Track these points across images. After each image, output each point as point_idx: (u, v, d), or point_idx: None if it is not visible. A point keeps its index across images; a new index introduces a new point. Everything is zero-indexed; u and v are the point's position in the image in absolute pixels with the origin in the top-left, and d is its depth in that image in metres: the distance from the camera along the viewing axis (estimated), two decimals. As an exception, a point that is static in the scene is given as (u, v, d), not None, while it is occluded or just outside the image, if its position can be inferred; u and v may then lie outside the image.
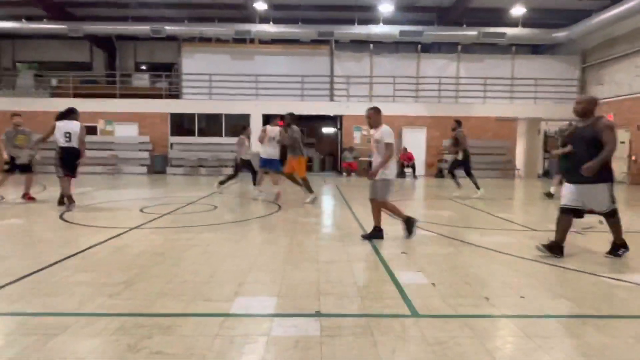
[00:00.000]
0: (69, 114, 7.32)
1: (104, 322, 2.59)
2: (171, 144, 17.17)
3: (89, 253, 4.27)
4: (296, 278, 3.56)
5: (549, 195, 9.19)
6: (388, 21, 16.50)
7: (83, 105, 16.69)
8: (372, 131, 5.19)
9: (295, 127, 8.17)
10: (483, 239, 5.15)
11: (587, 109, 4.20)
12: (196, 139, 17.27)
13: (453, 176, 9.89)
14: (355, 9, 16.28)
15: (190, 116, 17.49)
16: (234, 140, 16.82)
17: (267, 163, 8.74)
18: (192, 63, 17.96)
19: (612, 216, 4.22)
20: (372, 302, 3.07)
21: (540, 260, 4.19)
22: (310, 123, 20.54)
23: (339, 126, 18.14)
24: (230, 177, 9.89)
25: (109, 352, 2.23)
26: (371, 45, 17.57)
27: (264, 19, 16.57)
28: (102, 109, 16.82)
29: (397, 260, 4.17)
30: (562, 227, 4.25)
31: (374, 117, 5.06)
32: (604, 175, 4.07)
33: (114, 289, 3.19)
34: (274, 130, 8.85)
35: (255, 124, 17.05)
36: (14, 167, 7.76)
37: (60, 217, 6.31)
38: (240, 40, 17.62)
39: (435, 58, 18.13)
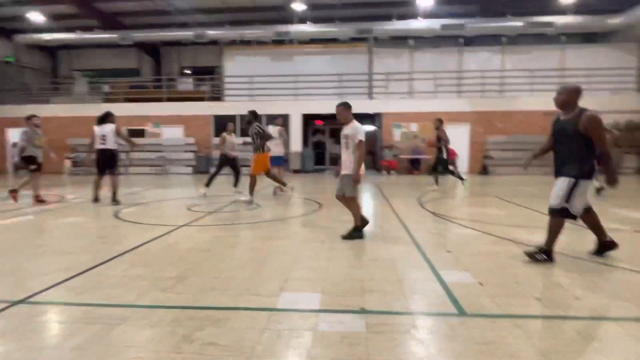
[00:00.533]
0: (106, 117, 7.83)
1: (159, 314, 2.75)
2: (214, 145, 17.71)
3: (142, 249, 4.52)
4: (340, 275, 3.59)
5: (599, 190, 8.67)
6: (428, 15, 16.17)
7: (132, 109, 17.70)
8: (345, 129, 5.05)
9: (256, 124, 8.29)
10: (532, 237, 4.95)
11: (567, 100, 3.79)
12: (238, 140, 17.67)
13: (452, 173, 10.98)
14: (394, 4, 16.10)
15: (232, 118, 17.97)
16: (273, 141, 17.28)
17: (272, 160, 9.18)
18: (234, 66, 18.46)
19: (554, 215, 3.81)
20: (417, 300, 3.04)
21: (593, 259, 3.98)
22: (349, 121, 20.53)
23: (378, 124, 18.00)
24: (212, 176, 9.62)
25: (165, 342, 2.36)
26: (411, 41, 17.29)
27: (302, 20, 16.73)
28: (150, 113, 17.65)
29: (441, 259, 4.10)
30: (552, 231, 3.87)
31: (344, 113, 5.00)
32: (576, 169, 3.68)
33: (166, 283, 3.37)
34: (275, 129, 9.87)
35: (295, 124, 17.29)
36: (39, 166, 7.92)
37: (115, 215, 6.70)
38: (280, 41, 17.89)
39: (479, 51, 17.57)
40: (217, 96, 18.64)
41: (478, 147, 16.54)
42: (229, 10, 17.05)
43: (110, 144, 7.64)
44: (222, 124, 17.99)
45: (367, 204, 8.63)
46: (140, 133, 17.66)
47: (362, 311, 2.79)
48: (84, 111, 17.58)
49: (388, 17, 16.40)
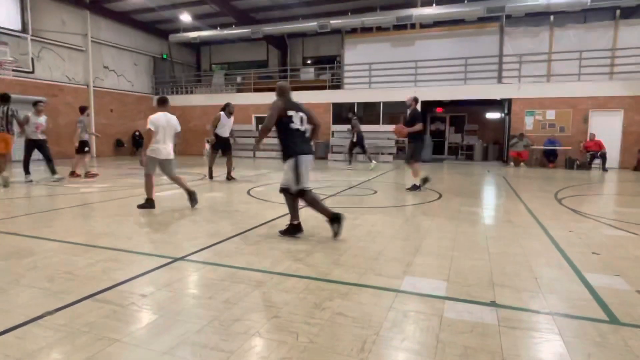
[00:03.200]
0: (226, 107, 9.38)
1: (292, 281, 2.99)
2: (332, 132, 18.28)
3: (273, 224, 4.93)
4: (466, 266, 3.44)
5: None
6: (575, -14, 14.12)
7: (260, 98, 19.22)
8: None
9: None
10: None
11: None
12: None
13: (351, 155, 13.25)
14: (532, -23, 14.43)
15: (350, 105, 18.28)
16: (390, 127, 17.11)
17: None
18: (354, 54, 18.66)
19: (302, 196, 4.13)
20: (558, 300, 2.76)
21: None
22: (472, 108, 19.26)
23: (506, 111, 16.51)
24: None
25: (299, 306, 2.56)
26: (551, 17, 15.34)
27: (426, 2, 16.07)
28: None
29: (586, 261, 3.64)
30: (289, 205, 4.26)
31: None
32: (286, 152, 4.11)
33: (297, 255, 3.64)
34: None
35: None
36: (89, 149, 9.99)
37: (248, 192, 7.42)
38: (401, 26, 17.49)
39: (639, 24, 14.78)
40: (337, 84, 19.11)
41: (633, 139, 14.08)
42: (351, -1, 17.24)
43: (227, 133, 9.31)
44: (340, 111, 18.51)
45: (492, 196, 8.05)
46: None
47: (493, 304, 2.65)
48: (219, 100, 19.72)
49: (524, -8, 14.76)
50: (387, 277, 3.14)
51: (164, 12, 18.71)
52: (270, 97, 17.67)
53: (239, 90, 20.77)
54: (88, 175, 9.92)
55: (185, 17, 18.93)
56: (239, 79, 21.70)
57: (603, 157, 13.53)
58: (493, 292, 2.87)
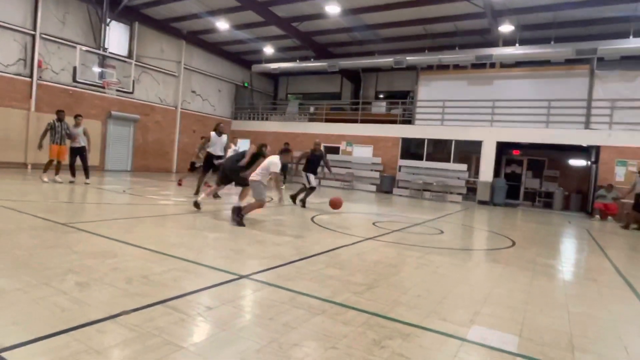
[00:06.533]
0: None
1: (352, 314, 2.94)
2: (399, 167, 18.08)
3: (335, 253, 4.92)
4: (541, 322, 3.15)
5: None
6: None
7: (331, 128, 19.68)
8: None
9: None
10: None
11: None
12: (424, 163, 17.63)
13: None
14: (628, 20, 13.49)
15: (420, 141, 18.04)
16: (462, 167, 16.56)
17: None
18: (428, 90, 18.54)
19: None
20: (653, 377, 2.41)
21: None
22: (553, 153, 18.05)
23: (593, 159, 15.23)
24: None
25: (358, 340, 2.50)
26: (651, 61, 14.14)
27: (509, 42, 15.63)
28: (345, 132, 19.30)
29: (690, 335, 3.16)
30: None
31: None
32: None
33: (357, 287, 3.58)
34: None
35: (487, 151, 16.17)
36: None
37: (312, 219, 7.51)
38: (479, 65, 17.14)
39: None
40: (407, 119, 19.03)
41: None
42: (429, 36, 17.30)
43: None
44: (409, 146, 18.33)
45: (573, 249, 7.36)
46: (335, 150, 19.44)
47: (573, 369, 2.38)
48: (292, 128, 20.53)
49: (620, 35, 13.81)
50: (452, 323, 2.96)
51: (250, 44, 20.16)
52: (341, 127, 18.24)
53: (311, 120, 21.46)
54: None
55: (268, 50, 20.20)
56: (312, 109, 22.47)
57: None
58: (572, 355, 2.59)
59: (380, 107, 20.93)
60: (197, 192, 9.46)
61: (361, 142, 19.03)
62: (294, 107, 22.94)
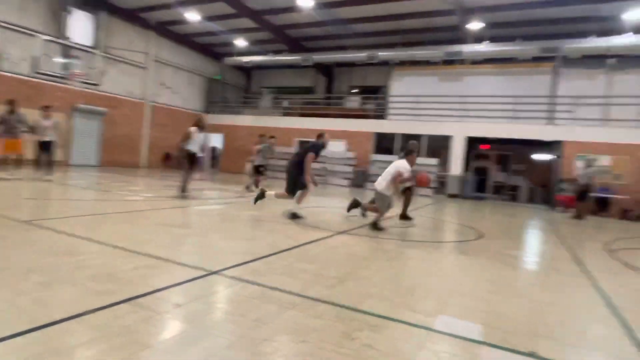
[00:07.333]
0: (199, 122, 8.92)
1: (323, 307, 2.96)
2: (373, 161, 18.27)
3: (306, 247, 4.94)
4: (504, 311, 3.28)
5: None
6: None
7: (304, 123, 19.65)
8: None
9: None
10: None
11: None
12: (396, 158, 17.82)
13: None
14: (590, 20, 14.08)
15: (392, 136, 18.27)
16: (433, 161, 16.90)
17: None
18: (401, 85, 18.79)
19: None
20: (604, 358, 2.56)
21: None
22: (519, 148, 18.67)
23: (557, 154, 15.87)
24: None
25: (328, 333, 2.53)
26: (611, 60, 14.79)
27: (477, 39, 16.01)
28: (319, 127, 19.28)
29: (639, 318, 3.36)
30: None
31: None
32: None
33: (329, 281, 3.61)
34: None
35: (457, 146, 16.57)
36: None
37: (284, 214, 7.50)
38: (450, 61, 17.48)
39: None
40: (380, 114, 19.23)
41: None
42: (401, 32, 17.50)
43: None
44: (382, 141, 18.53)
45: (537, 241, 7.67)
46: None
47: (533, 355, 2.49)
48: (265, 122, 20.37)
49: (582, 34, 14.40)
50: (420, 313, 3.04)
51: (222, 36, 19.80)
52: (315, 122, 18.10)
53: (285, 114, 21.36)
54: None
55: (241, 42, 19.91)
56: (285, 103, 22.35)
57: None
58: (534, 342, 2.70)
59: (353, 101, 21.05)
60: (184, 190, 8.66)
61: (335, 136, 19.05)
62: (267, 101, 22.75)
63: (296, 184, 7.00)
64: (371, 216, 7.22)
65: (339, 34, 18.57)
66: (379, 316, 2.90)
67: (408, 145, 7.65)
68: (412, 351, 2.39)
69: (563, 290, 4.06)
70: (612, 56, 14.60)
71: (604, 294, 4.02)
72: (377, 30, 17.64)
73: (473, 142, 18.11)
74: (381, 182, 6.61)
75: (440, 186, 16.99)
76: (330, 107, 20.49)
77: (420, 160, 17.13)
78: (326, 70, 22.23)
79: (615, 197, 13.73)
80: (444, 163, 17.35)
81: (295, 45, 20.33)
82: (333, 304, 3.05)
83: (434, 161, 17.09)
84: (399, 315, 2.96)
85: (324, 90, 22.75)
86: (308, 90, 23.36)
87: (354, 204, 7.76)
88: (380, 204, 6.64)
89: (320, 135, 7.41)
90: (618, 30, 13.90)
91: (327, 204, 10.34)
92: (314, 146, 7.16)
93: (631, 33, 13.64)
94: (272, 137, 11.82)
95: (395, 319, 2.87)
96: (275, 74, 24.34)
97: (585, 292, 4.09)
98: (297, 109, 21.07)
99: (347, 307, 3.01)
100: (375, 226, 6.53)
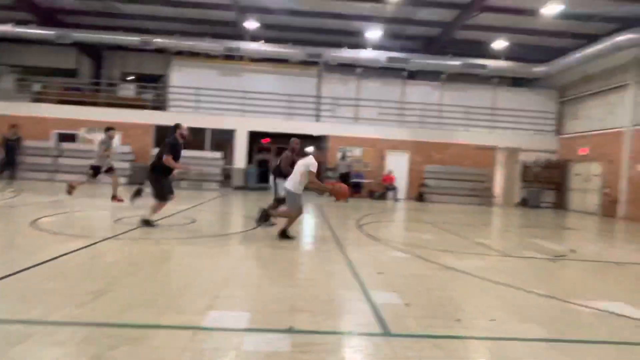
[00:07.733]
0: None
1: (69, 331, 2.53)
2: (154, 156, 16.96)
3: (61, 261, 4.16)
4: (271, 294, 3.54)
5: None
6: (377, 47, 16.96)
7: (65, 112, 16.58)
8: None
9: None
10: (460, 262, 5.23)
11: None
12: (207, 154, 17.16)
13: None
14: (345, 33, 16.71)
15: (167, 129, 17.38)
16: (217, 154, 16.97)
17: None
18: (181, 76, 17.99)
19: None
20: (346, 320, 3.07)
21: (513, 285, 4.27)
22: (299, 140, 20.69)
23: (325, 146, 18.33)
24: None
25: (72, 361, 2.17)
26: (359, 69, 17.96)
27: (255, 38, 16.82)
28: (85, 117, 16.60)
29: (373, 280, 4.19)
30: None
31: None
32: None
33: (82, 298, 3.11)
34: None
35: (240, 140, 17.12)
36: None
37: (32, 224, 6.14)
38: (230, 56, 17.78)
39: (420, 85, 18.60)
40: (160, 105, 18.00)
41: (415, 175, 17.34)
42: (180, 20, 16.74)
43: None
44: (163, 134, 17.40)
45: (306, 223, 8.66)
46: (70, 138, 16.53)
47: (290, 330, 2.77)
48: (10, 110, 16.16)
49: (338, 45, 16.96)
50: (189, 313, 2.96)
51: None
52: (79, 111, 15.61)
53: (37, 100, 17.45)
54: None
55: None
56: (36, 87, 18.28)
57: (395, 190, 16.27)
58: (293, 318, 3.00)
59: (128, 90, 19.00)
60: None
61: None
62: (9, 82, 18.13)
63: (156, 190, 6.48)
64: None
65: (106, 13, 16.34)
66: (141, 326, 2.68)
67: (290, 142, 8.08)
68: (175, 357, 2.29)
69: (322, 266, 4.69)
70: (359, 66, 17.76)
71: (350, 263, 4.84)
72: (153, 14, 16.32)
73: (255, 136, 19.05)
74: (290, 182, 6.06)
75: (226, 179, 17.24)
76: (99, 95, 17.90)
77: (204, 154, 17.00)
78: (93, 52, 19.25)
79: (365, 181, 16.89)
80: (229, 156, 17.65)
81: (48, 18, 16.82)
82: (83, 324, 2.64)
83: (218, 155, 17.17)
84: (165, 320, 2.81)
85: (92, 75, 19.69)
86: (70, 73, 19.73)
87: (264, 215, 6.53)
88: (290, 204, 6.07)
89: (176, 126, 6.75)
90: (363, 45, 17.00)
91: (94, 206, 9.04)
92: (166, 145, 6.44)
93: (371, 49, 16.89)
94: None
95: (161, 326, 2.71)
96: (22, 50, 19.49)
97: (339, 264, 4.84)
98: (53, 95, 17.54)
99: (102, 324, 2.66)
100: (284, 234, 5.94)
